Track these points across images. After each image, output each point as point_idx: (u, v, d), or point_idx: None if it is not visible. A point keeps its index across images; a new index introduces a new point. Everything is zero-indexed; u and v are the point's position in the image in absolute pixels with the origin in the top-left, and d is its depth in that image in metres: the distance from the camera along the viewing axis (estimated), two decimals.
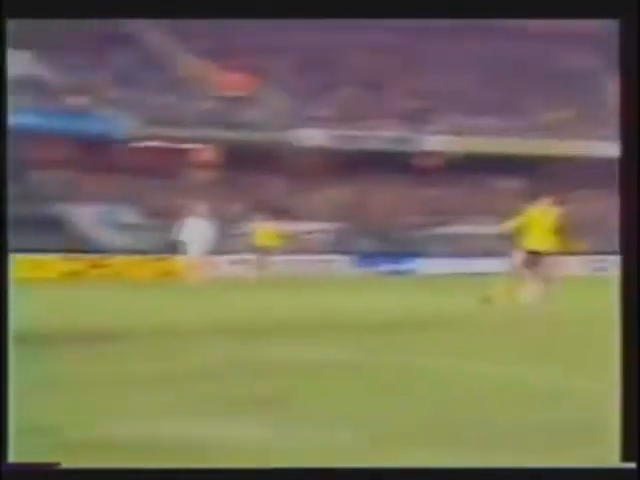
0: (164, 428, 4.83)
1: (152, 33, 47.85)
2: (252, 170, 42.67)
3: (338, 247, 39.47)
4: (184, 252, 22.08)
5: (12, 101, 32.74)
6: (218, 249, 28.41)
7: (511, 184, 47.24)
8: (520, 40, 51.74)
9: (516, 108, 50.67)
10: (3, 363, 3.58)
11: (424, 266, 38.36)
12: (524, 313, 13.45)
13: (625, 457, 3.58)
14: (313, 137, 44.83)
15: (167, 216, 36.78)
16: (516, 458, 4.09)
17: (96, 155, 41.68)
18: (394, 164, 45.18)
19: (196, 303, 17.31)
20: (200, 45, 47.68)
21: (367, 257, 38.90)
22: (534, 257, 15.01)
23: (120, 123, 41.91)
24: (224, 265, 32.98)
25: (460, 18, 3.92)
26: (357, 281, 32.27)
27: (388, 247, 39.87)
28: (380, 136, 46.11)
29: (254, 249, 28.94)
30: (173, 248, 30.19)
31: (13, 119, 31.32)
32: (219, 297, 19.98)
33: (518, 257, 15.24)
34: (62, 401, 5.77)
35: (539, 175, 45.34)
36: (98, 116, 41.81)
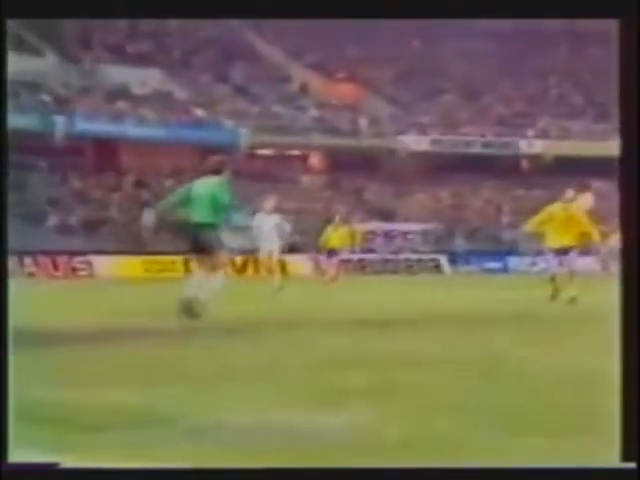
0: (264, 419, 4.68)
1: (268, 48, 48.31)
2: (358, 174, 42.68)
3: (436, 246, 39.18)
4: (257, 248, 19.42)
5: (144, 114, 33.25)
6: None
7: (601, 185, 46.31)
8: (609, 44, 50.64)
9: (610, 111, 49.64)
10: (3, 363, 3.43)
11: (517, 264, 37.80)
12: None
13: (625, 457, 3.34)
14: (415, 142, 44.63)
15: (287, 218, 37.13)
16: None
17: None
18: (492, 167, 44.70)
19: (299, 299, 17.22)
20: (311, 58, 48.03)
21: (462, 256, 38.55)
22: (565, 254, 14.37)
23: (238, 133, 42.35)
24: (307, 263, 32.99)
25: (461, 18, 3.72)
26: (453, 278, 31.89)
27: (483, 246, 39.41)
28: (478, 140, 45.67)
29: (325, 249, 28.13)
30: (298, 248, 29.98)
31: (144, 131, 32.31)
32: (322, 293, 19.92)
33: (550, 257, 14.66)
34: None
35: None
36: (219, 126, 42.33)
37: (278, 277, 18.69)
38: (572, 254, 14.54)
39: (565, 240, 14.39)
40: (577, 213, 14.67)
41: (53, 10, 3.71)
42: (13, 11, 3.62)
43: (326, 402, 5.15)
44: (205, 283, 11.13)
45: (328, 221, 27.72)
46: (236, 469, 3.45)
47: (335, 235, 25.70)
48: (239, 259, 33.94)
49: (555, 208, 14.83)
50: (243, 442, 4.12)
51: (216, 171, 11.53)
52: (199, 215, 11.19)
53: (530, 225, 15.35)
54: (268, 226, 18.78)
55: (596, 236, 14.81)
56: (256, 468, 3.47)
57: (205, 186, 11.27)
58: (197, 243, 11.27)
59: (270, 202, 19.34)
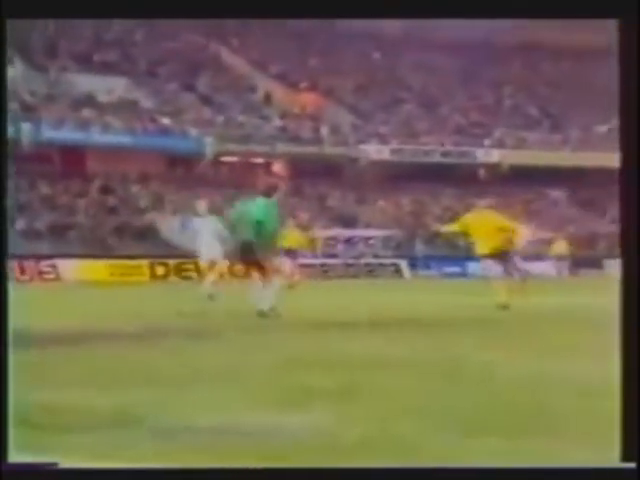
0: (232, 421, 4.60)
1: (232, 58, 48.24)
2: (321, 181, 42.72)
3: (396, 251, 39.23)
4: (196, 252, 18.22)
5: (110, 122, 33.03)
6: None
7: (559, 194, 46.70)
8: (563, 58, 51.29)
9: (564, 122, 50.07)
10: (3, 363, 3.31)
11: (475, 269, 37.89)
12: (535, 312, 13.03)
13: (625, 457, 3.25)
14: (376, 151, 44.72)
15: None
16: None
17: (181, 170, 42.25)
18: (448, 176, 44.90)
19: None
20: (275, 69, 48.03)
21: (421, 260, 38.61)
22: (500, 259, 14.33)
23: (203, 141, 42.18)
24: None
25: (459, 18, 3.63)
26: (411, 282, 31.91)
27: (442, 251, 39.48)
28: (437, 149, 45.86)
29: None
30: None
31: (110, 138, 32.08)
32: (284, 295, 19.76)
33: (487, 263, 14.60)
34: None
35: (586, 185, 44.75)
36: (184, 135, 42.14)
37: (210, 282, 17.56)
38: (516, 259, 14.53)
39: (492, 245, 14.29)
40: (498, 218, 14.61)
41: (53, 10, 3.60)
42: (13, 11, 3.58)
43: (290, 403, 5.09)
44: (264, 292, 12.21)
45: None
46: (211, 469, 3.34)
47: (290, 237, 25.23)
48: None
49: (473, 216, 14.78)
50: (210, 442, 4.07)
51: (267, 194, 12.40)
52: (248, 234, 12.14)
53: (445, 229, 15.32)
54: (207, 230, 17.98)
55: (519, 238, 14.74)
56: (224, 468, 3.37)
57: (255, 207, 12.22)
58: (249, 258, 12.36)
59: (202, 205, 18.55)
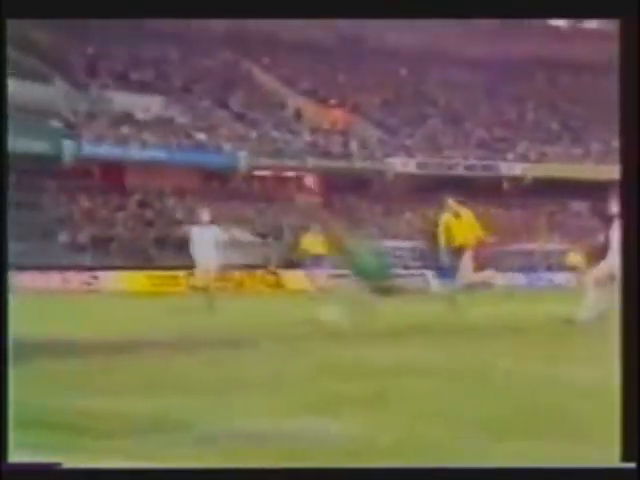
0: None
1: (264, 76, 48.38)
2: (350, 194, 42.72)
3: (422, 262, 39.02)
4: (196, 262, 17.34)
5: (147, 138, 33.18)
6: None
7: (581, 206, 46.34)
8: (583, 73, 51.03)
9: (585, 136, 49.73)
10: (3, 363, 3.23)
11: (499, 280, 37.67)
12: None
13: (625, 457, 3.13)
14: (402, 164, 44.65)
15: (276, 235, 37.06)
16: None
17: (216, 184, 42.34)
18: (473, 188, 44.70)
19: (295, 310, 16.89)
20: (304, 86, 48.12)
21: (447, 271, 38.31)
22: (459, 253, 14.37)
23: (236, 156, 42.24)
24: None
25: (462, 18, 3.54)
26: (440, 292, 31.64)
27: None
28: (461, 163, 45.70)
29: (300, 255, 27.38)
30: (288, 263, 29.13)
31: (148, 154, 32.20)
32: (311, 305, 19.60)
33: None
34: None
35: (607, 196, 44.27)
36: (218, 150, 42.23)
37: (212, 293, 17.12)
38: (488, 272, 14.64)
39: (461, 240, 14.32)
40: (468, 219, 14.62)
41: (53, 10, 3.52)
42: (13, 11, 3.48)
43: (324, 410, 5.04)
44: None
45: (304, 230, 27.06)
46: (236, 469, 3.24)
47: (315, 242, 24.66)
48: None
49: (447, 217, 14.78)
50: (247, 447, 4.03)
51: None
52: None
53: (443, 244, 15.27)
54: (207, 240, 17.14)
55: (486, 239, 14.78)
56: (257, 468, 3.27)
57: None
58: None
59: (204, 214, 17.93)
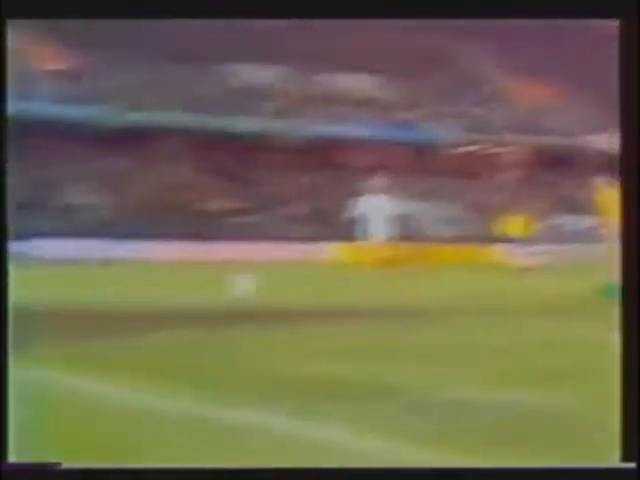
0: None
1: (468, 56, 47.91)
2: (552, 170, 41.72)
3: None
4: (363, 232, 16.42)
5: (353, 115, 33.47)
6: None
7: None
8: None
9: None
10: (3, 363, 3.24)
11: None
12: None
13: (625, 457, 3.02)
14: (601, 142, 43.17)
15: (483, 211, 36.70)
16: None
17: (422, 160, 42.23)
18: None
19: (492, 285, 16.38)
20: (506, 64, 47.25)
21: None
22: None
23: (442, 133, 42.24)
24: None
25: (458, 18, 3.46)
26: None
27: None
28: None
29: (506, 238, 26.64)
30: (490, 239, 28.54)
31: (356, 131, 32.53)
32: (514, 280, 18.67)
33: None
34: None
35: None
36: (423, 127, 42.32)
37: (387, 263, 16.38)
38: None
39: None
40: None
41: (53, 10, 3.53)
42: (13, 11, 3.40)
43: (533, 382, 5.00)
44: None
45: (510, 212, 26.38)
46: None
47: (521, 224, 23.95)
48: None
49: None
50: (460, 416, 4.07)
51: None
52: None
53: None
54: (379, 210, 16.55)
55: None
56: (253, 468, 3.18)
57: None
58: None
59: (378, 182, 17.06)
